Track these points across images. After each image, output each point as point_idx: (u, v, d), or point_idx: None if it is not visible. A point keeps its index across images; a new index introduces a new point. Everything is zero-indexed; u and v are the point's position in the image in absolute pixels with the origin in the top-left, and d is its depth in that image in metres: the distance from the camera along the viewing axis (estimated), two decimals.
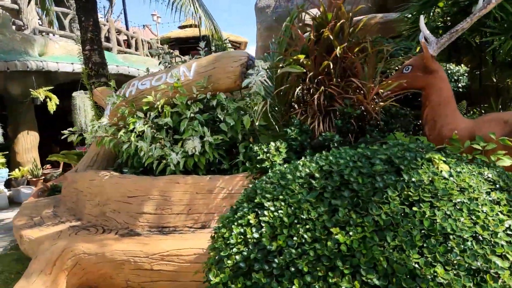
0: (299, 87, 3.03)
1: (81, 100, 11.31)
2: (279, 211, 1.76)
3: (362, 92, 3.05)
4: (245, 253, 1.75)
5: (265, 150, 2.84)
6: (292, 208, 1.76)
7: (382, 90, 3.09)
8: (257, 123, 3.18)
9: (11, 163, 10.44)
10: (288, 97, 3.35)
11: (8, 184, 10.20)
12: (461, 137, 2.98)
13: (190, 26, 29.21)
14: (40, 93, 10.02)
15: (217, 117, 3.68)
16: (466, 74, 4.09)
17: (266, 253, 1.68)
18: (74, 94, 11.24)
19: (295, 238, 1.63)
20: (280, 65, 3.22)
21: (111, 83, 6.68)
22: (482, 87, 4.75)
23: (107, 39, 13.91)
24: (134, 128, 3.65)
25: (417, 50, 4.21)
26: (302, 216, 1.69)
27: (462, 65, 4.19)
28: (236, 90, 3.67)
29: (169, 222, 3.27)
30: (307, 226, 1.64)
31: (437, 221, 1.53)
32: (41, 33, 11.15)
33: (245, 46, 29.32)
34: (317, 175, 1.90)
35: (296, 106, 3.46)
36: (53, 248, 3.10)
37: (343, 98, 3.07)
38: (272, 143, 2.87)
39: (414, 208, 1.60)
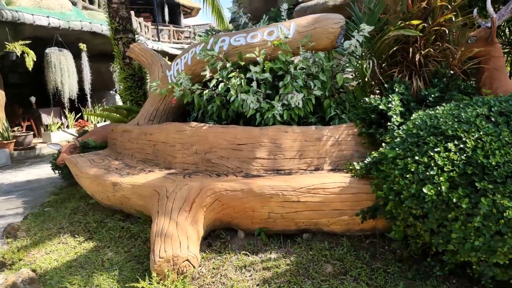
0: (411, 48, 3.55)
1: (57, 58, 10.57)
2: (483, 139, 2.33)
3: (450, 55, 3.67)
4: (457, 170, 2.30)
5: (386, 101, 3.35)
6: (491, 136, 2.33)
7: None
8: (366, 79, 3.66)
9: None
10: (382, 58, 3.86)
11: None
12: None
13: None
14: (16, 47, 9.20)
15: (309, 74, 4.07)
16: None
17: (482, 168, 2.25)
18: (47, 50, 10.45)
19: (508, 156, 2.21)
20: (385, 28, 3.70)
21: (136, 39, 6.55)
22: None
23: None
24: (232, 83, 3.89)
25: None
26: (504, 141, 2.28)
27: None
28: (331, 50, 4.06)
29: (283, 166, 3.66)
30: None
31: None
32: None
33: (197, 12, 28.58)
34: (492, 114, 2.49)
35: (385, 66, 3.99)
36: (187, 188, 3.33)
37: (436, 60, 3.67)
38: (391, 96, 3.38)
39: None
